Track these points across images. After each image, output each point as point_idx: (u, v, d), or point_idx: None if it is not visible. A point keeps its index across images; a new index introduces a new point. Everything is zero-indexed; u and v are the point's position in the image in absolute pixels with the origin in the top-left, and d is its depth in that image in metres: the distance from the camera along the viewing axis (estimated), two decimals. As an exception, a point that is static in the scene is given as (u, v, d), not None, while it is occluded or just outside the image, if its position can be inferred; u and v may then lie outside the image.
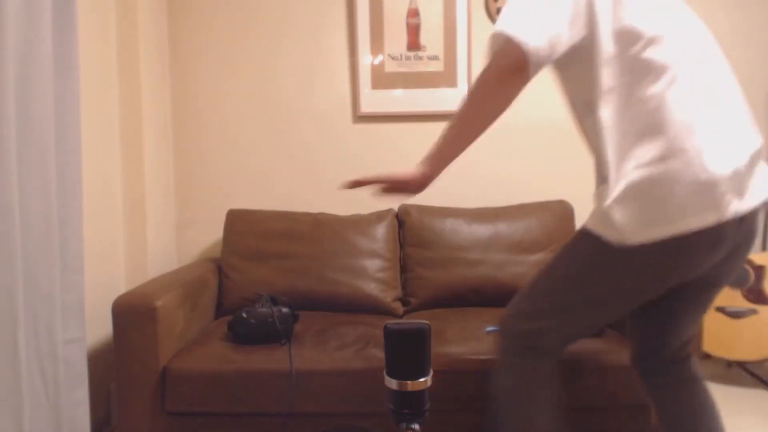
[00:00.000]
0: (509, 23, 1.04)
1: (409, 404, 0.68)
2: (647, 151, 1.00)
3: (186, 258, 2.40)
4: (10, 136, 1.24)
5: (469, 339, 1.63)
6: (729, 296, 2.19)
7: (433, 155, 1.15)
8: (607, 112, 1.04)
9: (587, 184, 2.34)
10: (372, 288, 2.03)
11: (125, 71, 2.04)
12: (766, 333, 2.12)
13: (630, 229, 1.02)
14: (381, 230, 2.13)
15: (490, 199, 2.37)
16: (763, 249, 2.43)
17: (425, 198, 2.26)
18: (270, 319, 1.64)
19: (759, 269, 2.18)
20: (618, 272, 1.08)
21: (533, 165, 2.38)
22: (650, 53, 1.02)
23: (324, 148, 2.39)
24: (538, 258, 2.06)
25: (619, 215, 1.02)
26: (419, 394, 0.68)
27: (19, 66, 1.32)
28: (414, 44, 2.33)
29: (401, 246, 2.17)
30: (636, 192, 1.00)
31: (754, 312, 2.15)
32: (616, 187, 1.02)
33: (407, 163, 2.38)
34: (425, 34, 2.33)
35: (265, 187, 2.40)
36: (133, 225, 2.08)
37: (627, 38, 1.03)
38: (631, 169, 1.01)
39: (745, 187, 1.01)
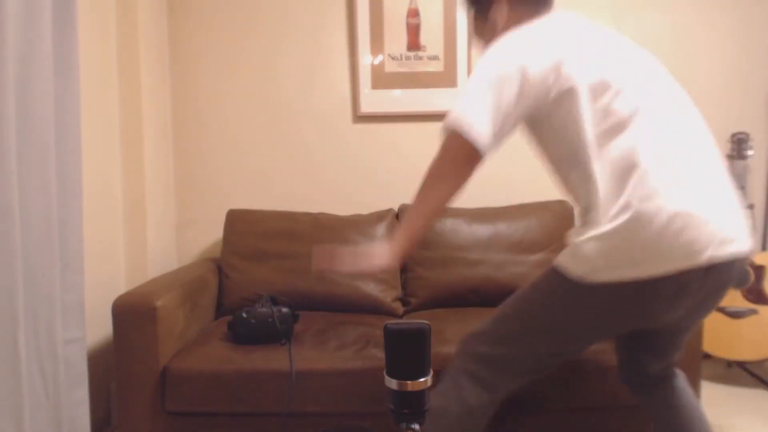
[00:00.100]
0: (461, 115, 1.08)
1: (409, 404, 0.68)
2: (621, 198, 1.02)
3: (186, 258, 2.40)
4: (10, 136, 1.24)
5: (469, 339, 1.63)
6: (729, 296, 2.19)
7: (400, 236, 1.15)
8: (585, 164, 1.07)
9: (587, 184, 2.34)
10: (372, 288, 2.03)
11: (125, 71, 2.04)
12: (766, 333, 2.12)
13: (596, 266, 1.05)
14: (381, 230, 2.13)
15: (490, 199, 2.37)
16: (763, 249, 2.43)
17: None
18: (270, 319, 1.64)
19: (759, 269, 2.18)
20: (580, 309, 1.10)
21: (533, 165, 2.38)
22: (620, 103, 1.05)
23: (324, 148, 2.39)
24: (538, 258, 2.06)
25: (588, 251, 1.05)
26: (419, 394, 0.68)
27: (19, 66, 1.32)
28: (414, 44, 2.33)
29: (401, 246, 2.17)
30: (607, 233, 1.03)
31: (754, 312, 2.15)
32: (590, 230, 1.05)
33: (407, 163, 2.38)
34: (425, 34, 2.33)
35: (265, 187, 2.40)
36: (133, 225, 2.08)
37: (598, 91, 1.06)
38: (606, 214, 1.03)
39: (716, 238, 1.01)
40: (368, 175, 2.40)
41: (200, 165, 2.39)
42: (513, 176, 2.39)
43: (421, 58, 2.33)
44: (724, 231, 1.02)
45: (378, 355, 1.57)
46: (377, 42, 2.32)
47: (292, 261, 2.05)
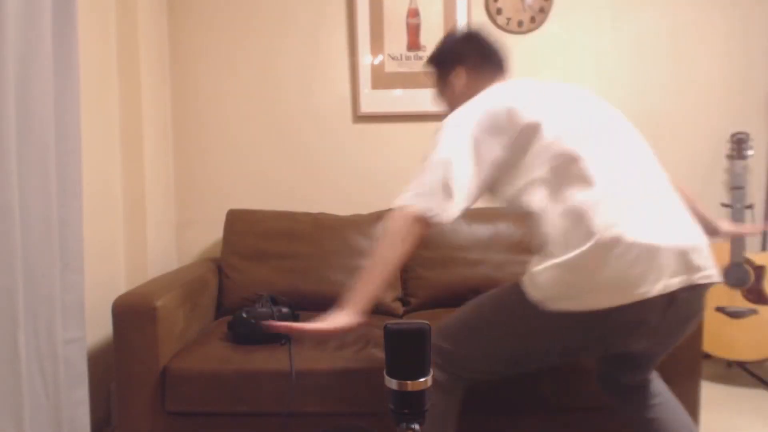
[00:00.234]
0: (413, 199, 1.14)
1: (409, 404, 0.68)
2: (575, 231, 1.05)
3: (186, 258, 2.40)
4: (10, 136, 1.24)
5: (469, 339, 1.63)
6: (729, 296, 2.19)
7: (356, 300, 1.16)
8: (540, 203, 1.11)
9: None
10: (372, 288, 2.03)
11: (125, 71, 2.04)
12: (766, 333, 2.12)
13: (550, 295, 1.08)
14: (381, 230, 2.13)
15: (490, 198, 2.37)
16: (763, 249, 2.43)
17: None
18: (270, 319, 1.64)
19: (759, 269, 2.18)
20: (536, 330, 1.13)
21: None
22: (571, 144, 1.09)
23: (324, 148, 2.39)
24: (538, 258, 2.06)
25: (543, 281, 1.09)
26: (419, 394, 0.68)
27: (19, 66, 1.32)
28: (414, 44, 2.33)
29: (401, 246, 2.17)
30: (561, 264, 1.05)
31: (754, 312, 2.15)
32: (547, 260, 1.08)
33: (407, 163, 2.38)
34: (425, 34, 2.33)
35: (265, 187, 2.40)
36: (133, 225, 2.08)
37: (549, 133, 1.11)
38: (561, 247, 1.06)
39: (668, 269, 1.02)
40: (368, 175, 2.40)
41: (200, 165, 2.39)
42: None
43: (421, 58, 2.33)
44: (677, 262, 1.03)
45: (378, 355, 1.57)
46: (377, 42, 2.32)
47: (292, 261, 2.05)
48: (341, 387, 1.52)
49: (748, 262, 2.19)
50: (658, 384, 1.30)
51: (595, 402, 1.53)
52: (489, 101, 1.18)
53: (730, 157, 2.28)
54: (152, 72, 2.16)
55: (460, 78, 1.34)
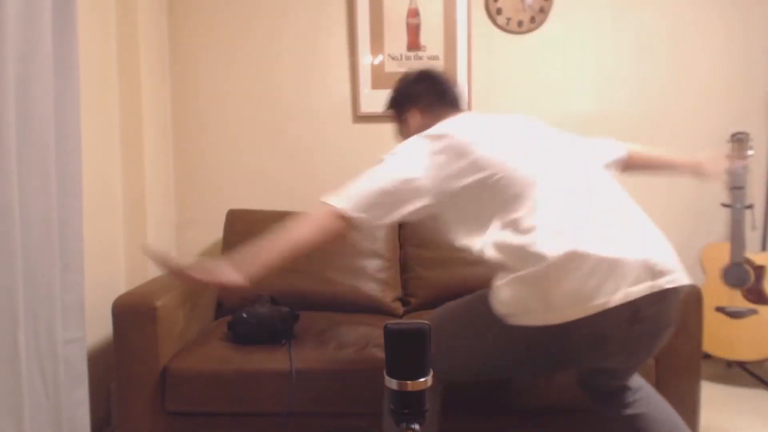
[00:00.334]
0: (344, 200, 1.19)
1: (409, 404, 0.68)
2: (531, 249, 1.07)
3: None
4: (10, 136, 1.24)
5: (469, 339, 1.63)
6: (729, 296, 2.19)
7: (250, 263, 1.15)
8: (490, 238, 1.14)
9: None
10: (372, 288, 2.03)
11: (125, 71, 2.04)
12: (766, 333, 2.12)
13: (511, 311, 1.11)
14: (381, 230, 2.13)
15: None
16: (763, 249, 2.43)
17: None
18: (270, 319, 1.64)
19: (759, 269, 2.18)
20: (502, 343, 1.16)
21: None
22: (523, 175, 1.13)
23: (324, 148, 2.39)
24: (538, 258, 2.06)
25: (504, 296, 1.12)
26: (419, 394, 0.68)
27: (19, 66, 1.32)
28: (414, 44, 2.33)
29: (401, 246, 2.17)
30: (521, 279, 1.08)
31: (754, 312, 2.15)
32: (508, 274, 1.11)
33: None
34: (425, 34, 2.33)
35: (265, 187, 2.40)
36: (133, 225, 2.08)
37: (500, 166, 1.15)
38: (519, 264, 1.09)
39: (629, 279, 1.03)
40: (368, 175, 2.39)
41: (200, 165, 2.39)
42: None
43: (421, 58, 2.33)
44: (640, 270, 1.04)
45: (378, 355, 1.57)
46: (377, 42, 2.32)
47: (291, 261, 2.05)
48: (341, 387, 1.52)
49: (748, 262, 2.19)
50: (636, 379, 1.30)
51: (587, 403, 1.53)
52: (437, 132, 1.24)
53: (730, 157, 2.28)
54: (152, 72, 2.16)
55: (415, 118, 1.42)
